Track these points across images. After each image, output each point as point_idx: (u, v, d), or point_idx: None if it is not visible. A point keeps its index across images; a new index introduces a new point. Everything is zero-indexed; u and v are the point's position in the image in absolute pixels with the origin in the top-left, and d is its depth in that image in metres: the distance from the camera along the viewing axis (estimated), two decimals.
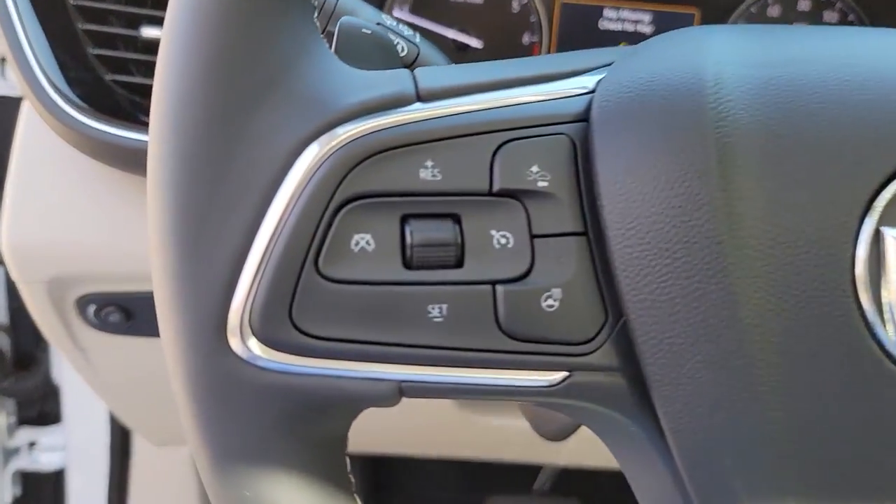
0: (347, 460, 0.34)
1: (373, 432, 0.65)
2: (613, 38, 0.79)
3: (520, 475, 1.22)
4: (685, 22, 0.78)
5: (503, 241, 0.31)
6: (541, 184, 0.31)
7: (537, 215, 0.31)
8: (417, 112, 0.31)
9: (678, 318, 0.30)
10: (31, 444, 1.31)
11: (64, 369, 1.24)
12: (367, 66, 0.33)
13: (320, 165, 0.30)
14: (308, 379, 0.30)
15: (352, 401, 0.31)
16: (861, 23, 0.77)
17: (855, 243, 0.29)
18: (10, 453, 1.30)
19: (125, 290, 0.74)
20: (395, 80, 0.32)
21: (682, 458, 0.31)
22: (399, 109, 0.31)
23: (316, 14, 0.32)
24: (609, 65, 0.34)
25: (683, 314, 0.30)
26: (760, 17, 0.76)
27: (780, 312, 0.29)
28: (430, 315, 0.30)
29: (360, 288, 0.30)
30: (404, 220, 0.31)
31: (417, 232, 0.30)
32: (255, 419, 0.30)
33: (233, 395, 0.30)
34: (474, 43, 0.80)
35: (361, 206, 0.30)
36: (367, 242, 0.30)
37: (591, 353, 0.32)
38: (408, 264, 0.31)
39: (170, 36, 0.29)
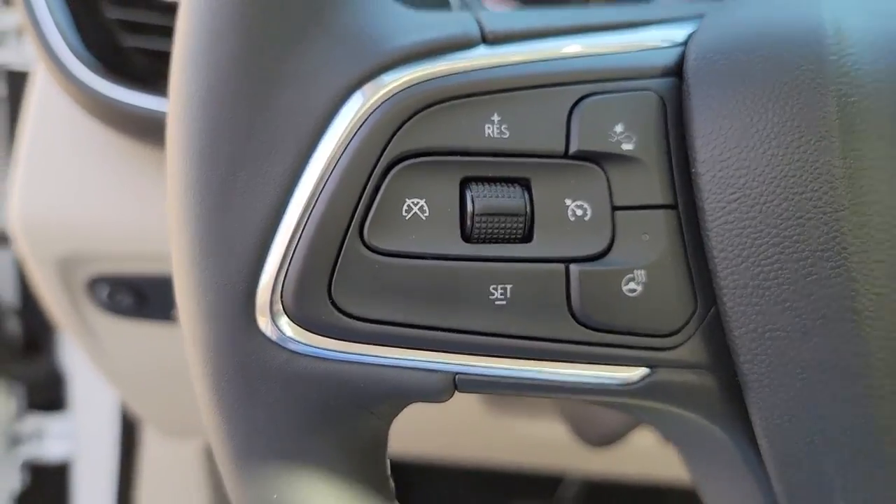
0: (388, 463, 0.29)
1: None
2: None
3: (539, 485, 1.18)
4: None
5: (579, 212, 0.27)
6: (625, 146, 0.27)
7: (620, 183, 0.27)
8: (483, 57, 0.27)
9: (785, 308, 0.25)
10: (39, 433, 1.28)
11: (73, 355, 1.21)
12: (423, 7, 0.29)
13: (368, 116, 0.25)
14: (348, 367, 0.26)
15: (398, 394, 0.26)
16: None
17: None
18: (18, 440, 1.27)
19: (139, 272, 0.70)
20: (456, 22, 0.27)
21: (779, 473, 0.26)
22: (461, 53, 0.27)
23: None
24: (697, 17, 0.30)
25: (792, 302, 0.25)
26: None
27: None
28: (492, 297, 0.26)
29: (410, 262, 0.26)
30: (465, 183, 0.26)
31: (480, 198, 0.26)
32: (284, 412, 0.26)
33: (260, 384, 0.25)
34: None
35: (415, 165, 0.26)
36: (421, 209, 0.26)
37: (677, 346, 0.27)
38: (467, 236, 0.26)
39: None
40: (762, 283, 0.25)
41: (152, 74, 0.60)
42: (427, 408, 0.29)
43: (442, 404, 0.27)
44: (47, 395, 1.29)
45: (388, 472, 0.29)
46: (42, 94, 0.68)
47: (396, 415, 0.28)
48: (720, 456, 0.29)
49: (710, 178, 0.26)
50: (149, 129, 0.58)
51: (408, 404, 0.27)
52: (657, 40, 0.29)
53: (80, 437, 1.23)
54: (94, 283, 0.72)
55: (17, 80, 0.93)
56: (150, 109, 0.57)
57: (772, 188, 0.25)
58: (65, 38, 0.59)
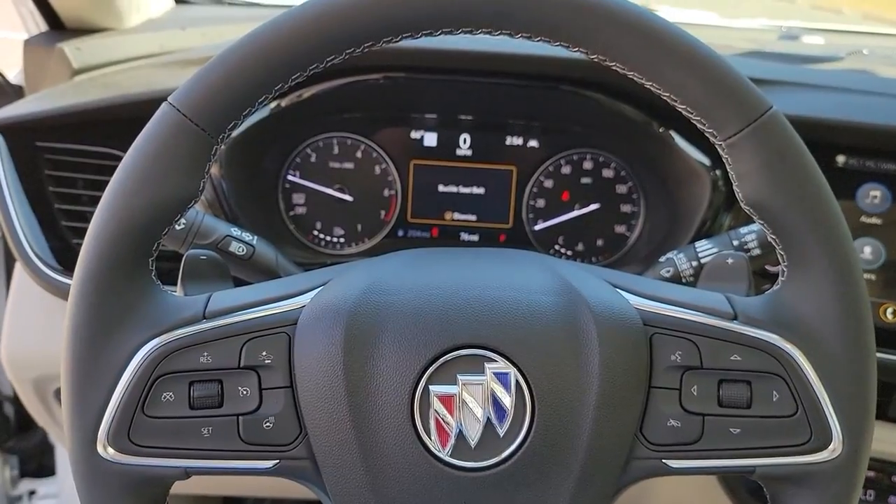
0: None
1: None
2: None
3: None
4: (505, 177, 1.07)
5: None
6: (266, 361, 0.59)
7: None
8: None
9: None
10: (31, 493, 1.54)
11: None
12: (207, 281, 0.61)
13: (145, 359, 0.58)
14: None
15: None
16: (629, 178, 1.05)
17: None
18: (13, 500, 1.54)
19: None
20: (191, 305, 0.60)
21: None
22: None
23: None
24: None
25: None
26: (556, 172, 1.05)
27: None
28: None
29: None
30: (191, 384, 0.59)
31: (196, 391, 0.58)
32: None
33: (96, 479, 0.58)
34: (347, 197, 1.07)
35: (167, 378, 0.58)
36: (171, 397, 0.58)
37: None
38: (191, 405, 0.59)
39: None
40: None
41: None
42: None
43: None
44: (38, 464, 1.55)
45: None
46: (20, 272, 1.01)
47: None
48: None
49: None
50: None
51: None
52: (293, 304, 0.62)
53: (64, 500, 1.50)
54: (58, 392, 1.04)
55: None
56: None
57: None
58: (30, 242, 0.92)
